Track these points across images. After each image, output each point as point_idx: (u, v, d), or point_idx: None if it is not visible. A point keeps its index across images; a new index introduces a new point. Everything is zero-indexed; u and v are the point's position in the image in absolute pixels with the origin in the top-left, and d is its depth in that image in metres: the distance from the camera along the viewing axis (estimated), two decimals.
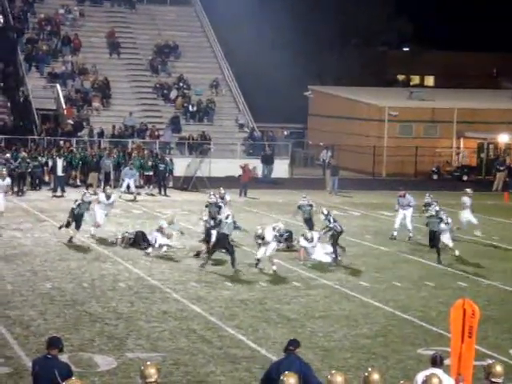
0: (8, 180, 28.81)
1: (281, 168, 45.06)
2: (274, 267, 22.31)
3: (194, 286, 20.63)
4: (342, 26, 65.69)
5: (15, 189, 35.10)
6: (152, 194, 37.21)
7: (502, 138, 49.67)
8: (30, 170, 36.97)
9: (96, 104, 47.26)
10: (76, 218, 25.31)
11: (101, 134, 44.22)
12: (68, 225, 25.50)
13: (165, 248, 24.19)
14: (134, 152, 40.75)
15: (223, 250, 23.03)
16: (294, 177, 45.29)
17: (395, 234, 27.77)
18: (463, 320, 11.18)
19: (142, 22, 53.81)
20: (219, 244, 22.65)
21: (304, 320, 17.90)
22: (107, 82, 48.17)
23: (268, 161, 44.03)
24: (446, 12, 69.90)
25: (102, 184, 37.54)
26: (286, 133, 53.72)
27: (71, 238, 25.33)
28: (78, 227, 25.43)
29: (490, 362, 10.81)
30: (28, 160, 37.19)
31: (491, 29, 70.19)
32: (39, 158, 38.15)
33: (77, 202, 25.52)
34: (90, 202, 25.75)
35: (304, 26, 63.43)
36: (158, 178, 38.58)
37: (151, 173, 38.89)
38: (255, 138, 47.48)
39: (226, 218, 22.71)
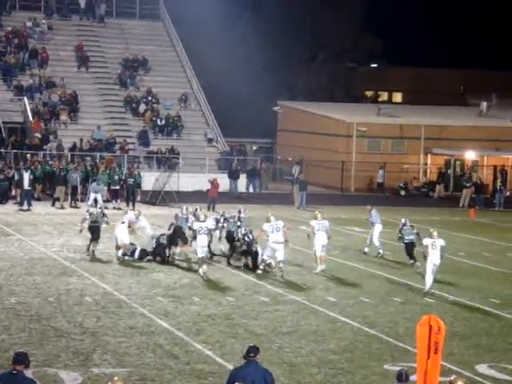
0: None
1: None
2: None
3: (161, 300, 20.53)
4: (311, 42, 66.03)
5: None
6: (119, 208, 37.02)
7: (469, 155, 50.09)
8: None
9: (64, 117, 47.02)
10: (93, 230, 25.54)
11: (72, 148, 43.95)
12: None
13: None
14: (101, 166, 40.52)
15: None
16: (263, 191, 45.32)
17: (366, 249, 27.86)
18: (429, 336, 11.24)
19: (110, 35, 53.73)
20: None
21: (271, 335, 17.87)
22: (75, 96, 47.97)
23: (234, 175, 44.05)
24: (414, 29, 70.52)
25: (69, 198, 37.45)
26: (254, 148, 53.81)
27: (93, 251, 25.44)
28: (95, 239, 25.55)
29: (452, 377, 10.84)
30: None
31: (458, 46, 70.96)
32: (5, 172, 37.86)
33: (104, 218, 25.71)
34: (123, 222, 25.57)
35: (273, 41, 63.69)
36: (126, 192, 38.43)
37: (118, 187, 38.70)
38: (224, 152, 47.54)
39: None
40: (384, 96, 74.49)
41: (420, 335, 11.38)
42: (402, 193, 47.19)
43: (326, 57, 66.93)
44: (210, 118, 49.73)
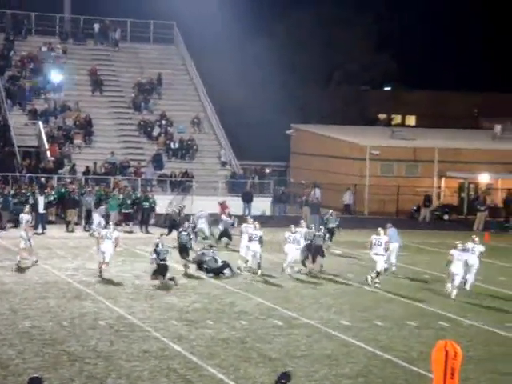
0: None
1: (263, 205, 45.03)
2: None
3: (175, 324, 20.48)
4: (324, 64, 66.15)
5: None
6: (131, 231, 37.03)
7: (483, 178, 49.93)
8: (11, 206, 36.76)
9: (78, 141, 47.22)
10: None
11: (86, 172, 44.07)
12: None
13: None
14: (113, 190, 40.38)
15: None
16: (276, 214, 45.26)
17: (394, 269, 28.61)
18: (445, 361, 11.16)
19: (124, 59, 54.03)
20: None
21: (285, 359, 17.78)
22: (89, 120, 48.18)
23: (248, 198, 44.03)
24: (428, 51, 70.59)
25: (83, 221, 37.47)
26: (268, 170, 53.88)
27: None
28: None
29: None
30: (9, 197, 37.01)
31: (472, 69, 70.92)
32: (20, 195, 37.98)
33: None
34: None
35: (287, 64, 63.89)
36: (141, 215, 38.42)
37: (130, 210, 38.56)
38: (237, 176, 47.59)
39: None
40: (397, 119, 74.50)
41: (436, 360, 11.31)
42: (416, 216, 47.01)
43: (340, 79, 67.02)
44: (224, 140, 49.81)
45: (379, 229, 26.73)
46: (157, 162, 46.91)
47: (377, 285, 26.15)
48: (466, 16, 72.04)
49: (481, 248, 26.01)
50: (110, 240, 26.21)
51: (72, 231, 36.63)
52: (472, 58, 71.33)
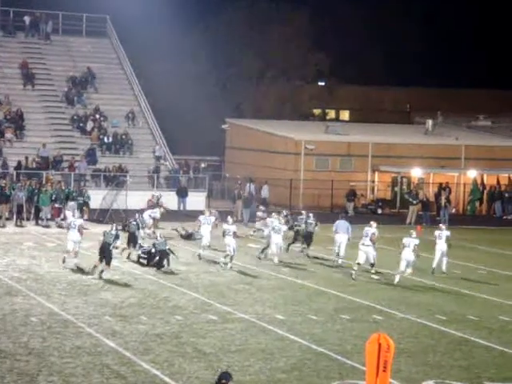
0: None
1: (198, 200, 44.91)
2: None
3: (109, 320, 20.31)
4: (259, 60, 66.31)
5: None
6: (61, 226, 36.58)
7: (415, 172, 50.60)
8: None
9: (9, 135, 46.46)
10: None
11: (18, 167, 43.39)
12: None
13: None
14: (46, 185, 39.85)
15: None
16: (211, 209, 45.12)
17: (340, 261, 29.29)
18: (378, 354, 11.26)
19: (57, 53, 53.31)
20: None
21: (220, 354, 17.77)
22: (21, 114, 47.46)
23: (182, 193, 43.84)
24: (361, 47, 71.19)
25: (14, 216, 36.95)
26: (203, 165, 53.75)
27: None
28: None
29: None
30: None
31: (404, 64, 71.80)
32: None
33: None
34: None
35: (223, 60, 63.85)
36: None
37: (62, 205, 38.14)
38: (172, 170, 47.38)
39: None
40: (332, 114, 75.00)
41: (369, 353, 11.41)
42: (350, 210, 47.35)
43: (274, 75, 67.24)
44: (158, 135, 49.54)
45: (372, 222, 27.72)
46: (90, 156, 46.44)
47: (373, 276, 27.15)
48: (399, 12, 72.96)
49: (416, 241, 26.65)
50: (75, 229, 26.90)
51: (3, 226, 36.09)
52: (403, 54, 72.21)
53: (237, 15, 66.07)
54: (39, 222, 37.28)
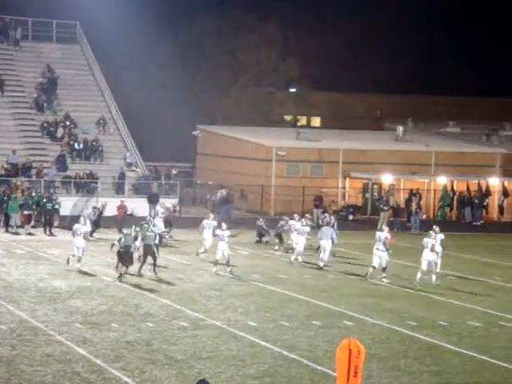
0: None
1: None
2: None
3: (79, 327, 20.20)
4: (230, 67, 66.38)
5: None
6: (31, 233, 36.38)
7: (386, 179, 50.82)
8: None
9: None
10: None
11: None
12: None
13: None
14: (15, 192, 39.55)
15: None
16: (182, 216, 45.12)
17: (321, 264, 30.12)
18: (349, 360, 11.30)
19: (26, 59, 53.01)
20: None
21: (191, 361, 17.73)
22: None
23: (154, 200, 43.67)
24: (332, 54, 71.43)
25: None
26: (174, 172, 53.64)
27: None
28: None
29: None
30: None
31: (375, 71, 72.15)
32: None
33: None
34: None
35: (194, 66, 63.82)
36: (44, 217, 37.75)
37: (32, 212, 37.92)
38: (143, 176, 47.24)
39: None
40: (303, 120, 75.17)
41: (340, 359, 11.44)
42: (315, 217, 47.32)
43: (245, 81, 67.32)
44: (129, 142, 49.38)
45: (384, 227, 28.79)
46: (60, 163, 46.16)
47: (384, 280, 27.57)
48: (371, 20, 73.28)
49: (432, 241, 27.64)
50: (80, 236, 27.86)
51: None
52: (374, 60, 72.54)
53: (208, 23, 66.17)
54: (9, 229, 37.02)
